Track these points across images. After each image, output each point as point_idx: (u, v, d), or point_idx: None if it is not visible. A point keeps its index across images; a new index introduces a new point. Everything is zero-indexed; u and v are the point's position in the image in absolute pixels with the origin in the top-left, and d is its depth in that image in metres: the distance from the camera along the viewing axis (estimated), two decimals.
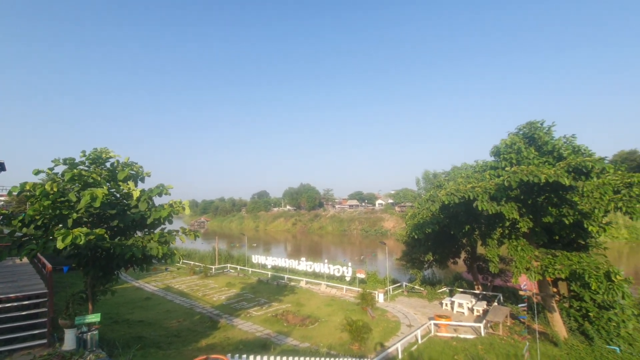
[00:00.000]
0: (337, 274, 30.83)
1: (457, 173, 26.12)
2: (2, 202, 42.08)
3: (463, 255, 27.53)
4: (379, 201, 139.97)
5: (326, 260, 32.99)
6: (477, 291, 25.69)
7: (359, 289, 25.52)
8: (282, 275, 34.09)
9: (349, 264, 30.62)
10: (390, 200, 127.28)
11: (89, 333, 10.46)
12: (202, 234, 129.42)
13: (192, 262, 42.18)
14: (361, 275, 29.16)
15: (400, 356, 14.86)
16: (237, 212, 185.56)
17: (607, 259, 17.47)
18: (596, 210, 14.24)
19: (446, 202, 15.34)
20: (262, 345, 15.88)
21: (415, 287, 28.08)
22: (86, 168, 12.00)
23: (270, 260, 37.49)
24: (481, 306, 21.70)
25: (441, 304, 23.53)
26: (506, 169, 17.25)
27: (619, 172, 15.96)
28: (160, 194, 12.43)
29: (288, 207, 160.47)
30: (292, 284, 31.28)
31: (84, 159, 11.95)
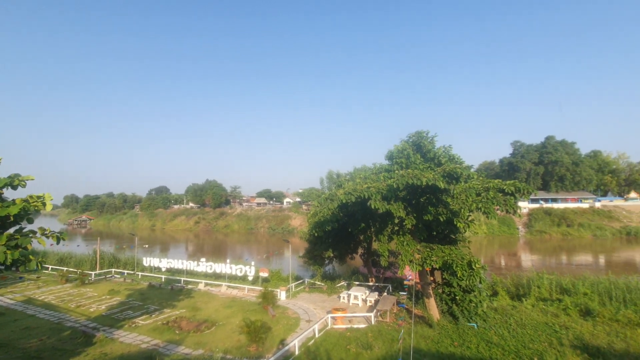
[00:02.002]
0: (240, 274, 29.87)
1: (357, 174, 27.94)
2: None
3: (360, 250, 29.62)
4: (287, 199, 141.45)
5: (228, 260, 31.66)
6: (370, 283, 27.91)
7: (261, 288, 25.16)
8: (178, 278, 31.46)
9: (252, 263, 29.99)
10: (298, 199, 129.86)
11: None
12: (83, 234, 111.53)
13: (65, 268, 35.70)
14: (264, 274, 28.83)
15: (297, 352, 15.06)
16: (130, 210, 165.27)
17: (470, 250, 20.87)
18: (462, 210, 16.82)
19: (344, 201, 16.18)
20: (147, 358, 14.25)
21: (316, 282, 29.07)
22: None
23: (165, 263, 34.23)
24: (373, 297, 23.61)
25: (339, 297, 24.83)
26: (397, 172, 19.08)
27: (480, 178, 19.20)
28: (12, 187, 10.00)
29: (191, 204, 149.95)
30: (190, 287, 29.11)
31: None
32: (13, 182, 9.94)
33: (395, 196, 16.42)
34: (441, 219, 17.14)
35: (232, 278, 30.37)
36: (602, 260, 53.29)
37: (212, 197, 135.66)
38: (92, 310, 22.39)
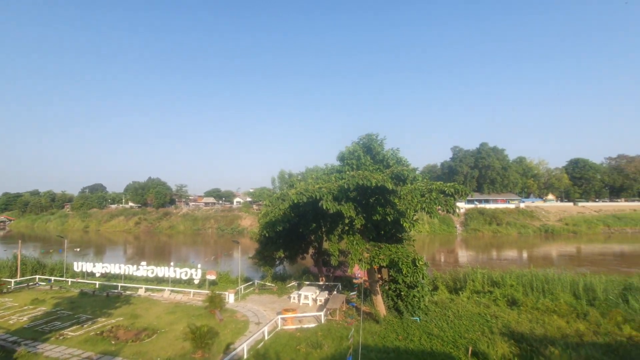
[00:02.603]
0: (185, 278, 28.42)
1: (309, 174, 28.08)
2: None
3: (311, 250, 29.82)
4: (237, 199, 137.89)
5: (172, 263, 29.94)
6: (321, 282, 28.23)
7: (208, 292, 24.16)
8: (115, 284, 29.01)
9: (199, 265, 28.69)
10: (249, 199, 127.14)
11: None
12: (0, 237, 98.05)
13: None
14: (212, 277, 27.75)
15: (245, 356, 14.72)
16: (59, 210, 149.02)
17: (414, 248, 22.07)
18: (409, 210, 17.76)
19: (296, 201, 16.17)
20: None
21: (267, 284, 28.67)
22: None
23: (99, 267, 31.37)
24: (323, 296, 23.90)
25: (289, 297, 24.73)
26: (347, 172, 19.52)
27: (425, 180, 20.41)
28: None
29: (131, 204, 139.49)
30: (128, 293, 27.00)
31: None
32: None
33: (346, 197, 16.79)
34: (389, 219, 17.88)
35: (177, 282, 28.78)
36: (525, 255, 59.63)
37: (155, 196, 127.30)
38: (11, 322, 19.79)
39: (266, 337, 16.90)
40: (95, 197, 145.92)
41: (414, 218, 20.22)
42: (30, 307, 23.00)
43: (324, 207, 15.96)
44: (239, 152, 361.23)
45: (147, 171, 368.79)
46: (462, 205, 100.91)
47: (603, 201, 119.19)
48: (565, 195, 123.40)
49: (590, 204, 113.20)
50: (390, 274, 21.00)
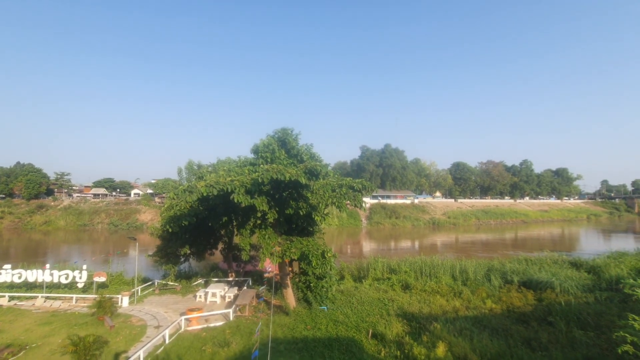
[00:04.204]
0: (65, 281, 24.18)
1: (220, 166, 26.76)
2: None
3: (220, 246, 28.53)
4: (135, 191, 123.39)
5: (48, 265, 25.22)
6: (230, 278, 27.29)
7: (96, 296, 21.13)
8: None
9: (84, 266, 24.77)
10: (150, 190, 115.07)
11: None
12: None
13: None
14: (101, 279, 24.27)
15: None
16: None
17: (324, 241, 23.00)
18: (320, 204, 18.37)
19: (205, 194, 15.23)
20: None
21: (169, 283, 26.46)
22: None
23: None
24: (233, 292, 23.17)
25: (195, 296, 23.27)
26: (262, 166, 19.19)
27: (336, 176, 21.39)
28: None
29: None
30: None
31: None
32: None
33: (259, 190, 16.51)
34: (301, 213, 18.21)
35: (55, 287, 24.36)
36: (417, 244, 67.77)
37: (25, 186, 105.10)
38: None
39: (167, 341, 15.59)
40: None
41: (325, 212, 21.04)
42: None
43: (236, 200, 15.41)
44: (140, 140, 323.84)
45: (14, 155, 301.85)
46: (368, 201, 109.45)
47: (475, 198, 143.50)
48: (448, 193, 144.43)
49: (466, 200, 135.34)
50: (300, 266, 21.47)
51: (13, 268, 24.72)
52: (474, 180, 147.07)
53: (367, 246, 65.90)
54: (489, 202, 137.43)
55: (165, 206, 22.47)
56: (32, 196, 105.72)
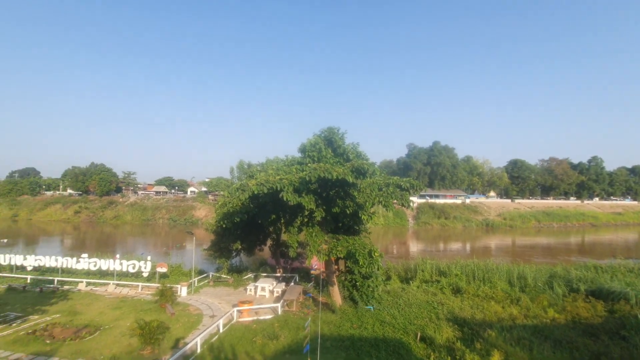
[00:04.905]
0: (133, 271, 26.74)
1: (269, 165, 27.67)
2: None
3: (269, 242, 29.55)
4: (191, 189, 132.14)
5: (118, 256, 28.01)
6: (278, 274, 28.15)
7: (159, 285, 23.03)
8: (50, 278, 26.54)
9: (148, 257, 27.13)
10: (204, 188, 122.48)
11: None
12: None
13: None
14: (163, 270, 26.43)
15: (199, 350, 14.28)
16: None
17: (371, 240, 22.77)
18: (367, 203, 18.23)
19: (256, 192, 15.86)
20: None
21: (222, 276, 27.99)
22: None
23: (31, 260, 28.40)
24: (280, 287, 23.89)
25: (246, 289, 24.36)
26: (309, 165, 19.50)
27: (383, 174, 21.06)
28: None
29: (70, 191, 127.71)
30: (66, 287, 24.87)
31: None
32: None
33: (307, 189, 16.80)
34: (348, 211, 18.23)
35: (123, 275, 27.01)
36: (468, 246, 64.36)
37: (98, 183, 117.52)
38: None
39: (221, 330, 16.53)
40: (26, 183, 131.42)
41: (371, 211, 20.83)
42: None
43: (285, 198, 15.83)
44: (195, 141, 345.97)
45: (89, 156, 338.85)
46: (415, 200, 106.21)
47: (535, 199, 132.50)
48: (504, 193, 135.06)
49: (525, 201, 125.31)
50: (347, 265, 21.50)
51: (89, 257, 27.92)
52: (533, 179, 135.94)
53: (414, 247, 64.00)
54: (551, 202, 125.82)
55: (219, 203, 23.83)
56: (104, 193, 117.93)
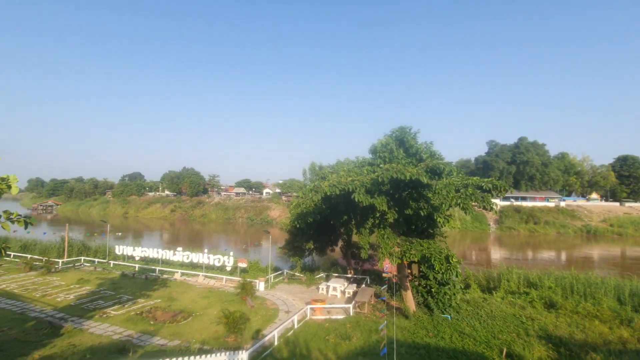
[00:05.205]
0: (218, 264, 29.48)
1: (340, 167, 28.00)
2: None
3: (340, 243, 29.88)
4: (266, 190, 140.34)
5: (206, 250, 31.14)
6: (349, 275, 28.29)
7: (240, 279, 24.95)
8: (153, 267, 30.66)
9: (231, 253, 29.64)
10: (278, 190, 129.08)
11: None
12: (49, 220, 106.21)
13: (29, 256, 34.00)
14: (243, 265, 28.58)
15: (276, 343, 15.10)
16: (101, 196, 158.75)
17: (447, 244, 21.50)
18: (443, 205, 17.26)
19: (328, 193, 16.19)
20: (120, 350, 13.86)
21: (296, 274, 29.15)
22: None
23: (139, 251, 33.21)
24: (352, 288, 23.95)
25: (318, 288, 25.01)
26: (381, 166, 19.23)
27: (460, 175, 19.74)
28: None
29: (167, 192, 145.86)
30: (165, 276, 28.45)
31: None
32: None
33: (379, 190, 16.59)
34: (422, 214, 17.51)
35: (210, 268, 29.93)
36: (564, 256, 56.43)
37: (189, 186, 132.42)
38: (59, 299, 21.45)
39: (295, 326, 17.23)
40: (134, 185, 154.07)
41: (447, 214, 19.68)
42: (76, 286, 24.79)
43: (357, 199, 15.86)
44: (269, 144, 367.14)
45: (182, 161, 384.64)
46: (497, 202, 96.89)
47: None
48: (610, 195, 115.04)
49: (638, 204, 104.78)
50: (420, 269, 20.64)
51: (182, 251, 31.62)
52: None
53: (496, 254, 58.42)
54: None
55: (294, 204, 24.89)
56: (194, 194, 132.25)
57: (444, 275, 16.60)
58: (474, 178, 18.14)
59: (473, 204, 16.96)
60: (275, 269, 30.63)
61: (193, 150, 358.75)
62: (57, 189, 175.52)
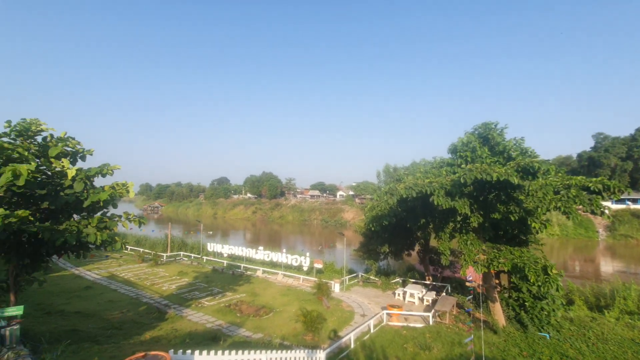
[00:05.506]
0: (295, 264, 30.73)
1: (415, 168, 26.88)
2: None
3: (417, 247, 28.57)
4: (340, 192, 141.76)
5: (284, 250, 32.76)
6: (427, 282, 26.84)
7: (316, 279, 25.59)
8: (238, 264, 33.34)
9: (307, 253, 30.66)
10: (351, 192, 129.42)
11: (8, 328, 9.28)
12: (155, 219, 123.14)
13: (142, 249, 39.90)
14: (318, 266, 29.28)
15: (352, 345, 15.06)
16: (195, 198, 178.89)
17: (544, 253, 18.97)
18: (539, 209, 15.25)
19: (404, 196, 15.61)
20: (212, 337, 15.31)
21: (371, 277, 28.77)
22: (11, 141, 10.51)
23: (226, 249, 36.50)
24: (431, 296, 22.68)
25: (394, 294, 24.29)
26: (462, 166, 17.88)
27: (559, 174, 17.26)
28: (102, 175, 11.28)
29: (249, 195, 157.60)
30: (249, 273, 30.69)
31: (8, 130, 10.43)
32: (102, 170, 11.19)
33: (460, 192, 15.43)
34: (512, 218, 15.74)
35: (288, 267, 31.35)
36: None
37: (268, 189, 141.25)
38: (164, 288, 24.68)
39: (372, 330, 16.97)
40: (221, 189, 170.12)
41: (544, 218, 17.35)
42: (177, 277, 28.23)
43: (436, 202, 14.97)
44: (342, 147, 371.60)
45: (262, 165, 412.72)
46: (608, 205, 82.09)
47: None
48: None
49: None
50: (511, 280, 18.58)
51: (264, 250, 33.77)
52: None
53: (608, 266, 49.50)
54: None
55: (368, 207, 24.65)
56: (272, 196, 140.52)
57: (541, 289, 14.64)
58: (578, 177, 15.68)
59: (577, 207, 14.65)
60: (350, 271, 30.68)
61: (272, 155, 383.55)
62: (162, 192, 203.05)
